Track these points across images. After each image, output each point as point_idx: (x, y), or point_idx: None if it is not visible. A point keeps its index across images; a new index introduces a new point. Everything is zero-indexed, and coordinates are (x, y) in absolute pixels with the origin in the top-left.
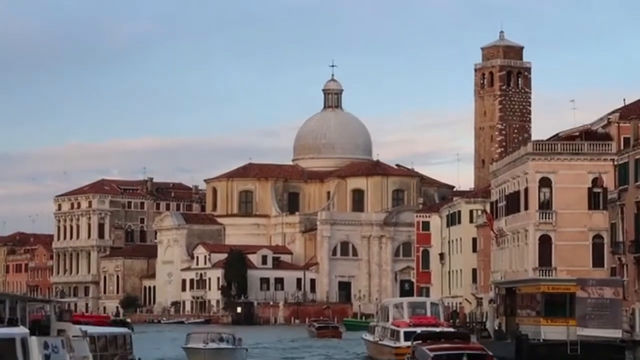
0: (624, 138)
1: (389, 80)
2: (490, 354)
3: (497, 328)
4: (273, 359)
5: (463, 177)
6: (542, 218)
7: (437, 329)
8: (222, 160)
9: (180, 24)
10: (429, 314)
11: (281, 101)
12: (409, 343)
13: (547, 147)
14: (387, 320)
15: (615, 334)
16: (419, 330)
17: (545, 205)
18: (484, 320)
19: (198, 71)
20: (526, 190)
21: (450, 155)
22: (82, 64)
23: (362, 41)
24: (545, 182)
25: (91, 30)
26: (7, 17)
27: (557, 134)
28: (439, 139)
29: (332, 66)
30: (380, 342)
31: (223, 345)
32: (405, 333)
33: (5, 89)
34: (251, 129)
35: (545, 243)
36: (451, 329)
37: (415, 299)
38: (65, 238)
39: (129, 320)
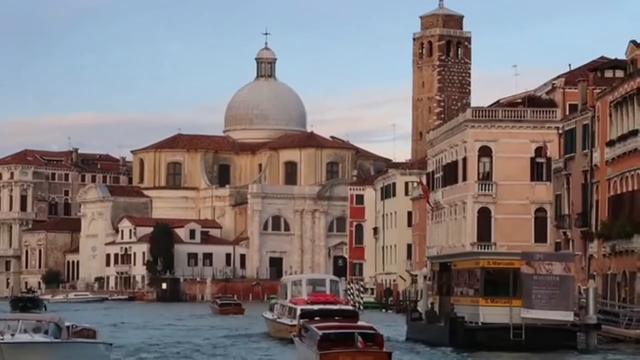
0: (570, 105)
1: (325, 51)
2: (381, 333)
3: (429, 309)
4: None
5: (400, 152)
6: (482, 190)
7: (335, 307)
8: (159, 135)
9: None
10: (328, 291)
11: (213, 72)
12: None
13: (487, 114)
14: (286, 298)
15: (566, 316)
16: (316, 308)
17: (485, 176)
18: (418, 299)
19: (136, 46)
20: (464, 160)
21: (388, 133)
22: (21, 39)
23: (296, 10)
24: (485, 152)
25: (28, 5)
26: None
27: (498, 101)
28: (377, 115)
29: (266, 34)
30: (278, 320)
31: (38, 337)
32: (302, 311)
33: None
34: (187, 103)
35: (484, 216)
36: (349, 307)
37: (314, 275)
38: None
39: (37, 294)
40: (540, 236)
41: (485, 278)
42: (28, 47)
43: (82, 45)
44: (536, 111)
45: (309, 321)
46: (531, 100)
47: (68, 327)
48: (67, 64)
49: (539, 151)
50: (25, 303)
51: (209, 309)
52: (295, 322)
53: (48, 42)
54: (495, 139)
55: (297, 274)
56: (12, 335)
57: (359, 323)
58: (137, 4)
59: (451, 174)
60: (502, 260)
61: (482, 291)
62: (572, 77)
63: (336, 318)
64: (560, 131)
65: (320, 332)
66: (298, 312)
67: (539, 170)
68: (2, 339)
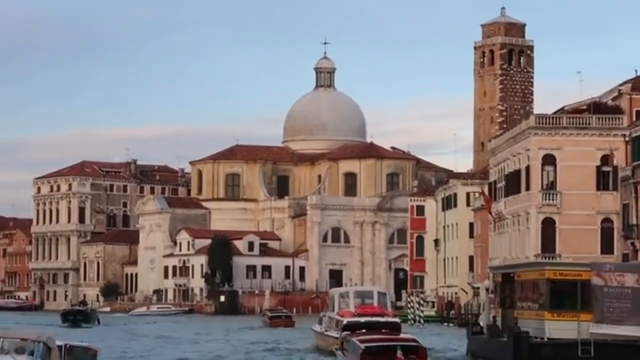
0: (637, 111)
1: (385, 60)
2: (424, 346)
3: (491, 323)
4: None
5: (462, 164)
6: (545, 199)
7: (380, 319)
8: (219, 147)
9: (171, 12)
10: (376, 303)
11: (272, 83)
12: None
13: (551, 121)
14: (334, 310)
15: (639, 332)
16: (362, 320)
17: (549, 186)
18: (480, 312)
19: (194, 59)
20: (528, 168)
21: (449, 146)
22: (81, 53)
23: (355, 19)
24: (548, 160)
25: (89, 19)
26: (9, 4)
27: (562, 108)
28: (438, 127)
29: (325, 43)
30: (325, 332)
31: (20, 359)
32: (346, 323)
33: (7, 77)
34: (246, 114)
35: (548, 227)
36: (393, 319)
37: (362, 288)
38: (44, 222)
39: (88, 307)
40: (607, 247)
41: (551, 290)
42: (89, 60)
43: (142, 58)
44: (602, 118)
45: (351, 334)
46: (597, 107)
47: (60, 346)
48: (127, 78)
49: (605, 159)
50: (75, 316)
51: (260, 322)
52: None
53: (109, 55)
54: (560, 146)
55: (347, 287)
56: None
57: (402, 335)
58: (196, 18)
59: (514, 183)
60: (569, 271)
61: (547, 304)
62: (638, 83)
63: (383, 331)
64: (627, 138)
65: (362, 346)
66: (342, 325)
67: (605, 179)
68: None
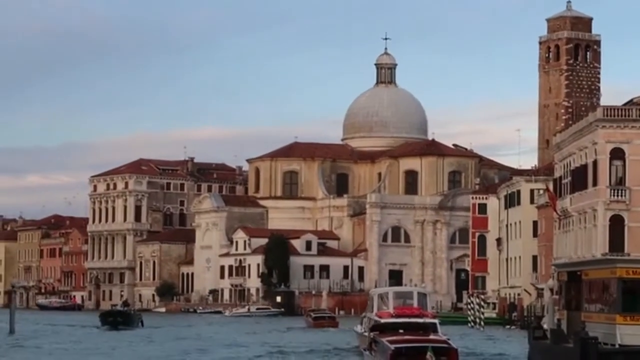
0: None
1: (447, 57)
2: (455, 347)
3: (555, 327)
4: None
5: (526, 163)
6: (614, 195)
7: (421, 320)
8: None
9: (232, 16)
10: (416, 304)
11: (333, 82)
12: None
13: (619, 113)
14: (373, 311)
15: None
16: (395, 321)
17: (618, 181)
18: (543, 315)
19: (253, 60)
20: (595, 163)
21: (513, 147)
22: (142, 56)
23: (416, 15)
24: (617, 154)
25: (151, 24)
26: (77, 11)
27: (631, 100)
28: (502, 128)
29: (385, 39)
30: (364, 333)
31: None
32: (374, 323)
33: (73, 80)
34: (307, 114)
35: (617, 225)
36: (433, 321)
37: (401, 288)
38: (100, 221)
39: (129, 309)
40: None
41: (623, 290)
42: (151, 63)
43: (203, 61)
44: None
45: (380, 334)
46: None
47: None
48: (188, 80)
49: None
50: (115, 318)
51: (303, 322)
52: None
53: (172, 59)
54: (629, 140)
55: (383, 287)
56: None
57: (433, 337)
58: (256, 20)
59: (580, 179)
60: None
61: (619, 307)
62: None
63: (420, 332)
64: None
65: (392, 347)
66: (371, 325)
67: None
68: None
